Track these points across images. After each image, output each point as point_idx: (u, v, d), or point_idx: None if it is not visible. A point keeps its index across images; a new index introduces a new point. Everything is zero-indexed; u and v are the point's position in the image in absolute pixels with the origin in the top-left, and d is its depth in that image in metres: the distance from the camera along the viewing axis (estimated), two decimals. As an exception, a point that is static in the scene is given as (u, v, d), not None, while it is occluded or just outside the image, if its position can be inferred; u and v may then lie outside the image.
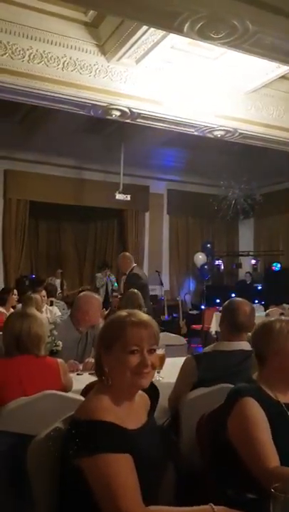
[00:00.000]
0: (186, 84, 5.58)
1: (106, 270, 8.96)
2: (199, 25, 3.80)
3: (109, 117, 5.65)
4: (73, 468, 1.30)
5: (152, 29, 4.43)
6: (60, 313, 6.32)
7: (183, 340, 4.44)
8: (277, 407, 1.68)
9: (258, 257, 11.45)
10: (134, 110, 5.50)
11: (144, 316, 1.46)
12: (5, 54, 4.61)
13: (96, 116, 5.81)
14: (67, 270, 10.50)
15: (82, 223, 11.21)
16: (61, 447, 1.37)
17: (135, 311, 1.48)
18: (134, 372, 1.38)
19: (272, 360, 1.73)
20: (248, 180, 9.91)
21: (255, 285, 10.71)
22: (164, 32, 4.42)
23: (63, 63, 4.89)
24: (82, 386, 2.41)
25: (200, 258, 10.87)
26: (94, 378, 2.29)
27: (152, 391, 1.56)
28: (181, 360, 2.55)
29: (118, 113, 5.51)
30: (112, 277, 8.96)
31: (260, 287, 10.53)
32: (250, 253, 11.59)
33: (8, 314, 4.90)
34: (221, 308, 2.67)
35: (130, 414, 1.42)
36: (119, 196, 8.37)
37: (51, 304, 6.40)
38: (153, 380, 1.49)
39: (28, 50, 4.70)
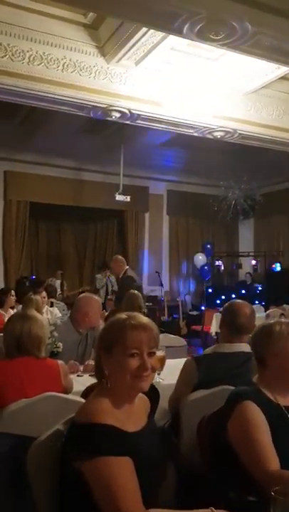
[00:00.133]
0: (185, 85, 5.59)
1: (106, 271, 8.95)
2: (199, 26, 3.80)
3: (108, 118, 5.65)
4: (73, 470, 1.30)
5: (152, 31, 4.43)
6: (60, 315, 6.33)
7: (183, 342, 4.43)
8: (277, 410, 1.68)
9: (258, 257, 11.45)
10: (133, 111, 5.50)
11: (144, 319, 1.46)
12: (5, 56, 4.62)
13: (96, 118, 5.82)
14: (67, 271, 10.50)
15: (82, 224, 11.22)
16: (61, 450, 1.38)
17: (135, 313, 1.48)
18: (134, 376, 1.39)
19: (272, 362, 1.73)
20: (248, 180, 9.91)
21: (256, 286, 10.71)
22: (164, 33, 4.43)
23: (63, 65, 4.89)
24: (82, 388, 2.41)
25: (200, 259, 10.88)
26: (94, 380, 2.29)
27: (152, 393, 1.56)
28: (181, 362, 2.56)
29: (118, 114, 5.51)
30: (112, 278, 8.94)
31: (260, 288, 10.53)
32: (251, 253, 11.59)
33: (6, 315, 4.91)
34: (221, 309, 2.67)
35: (130, 417, 1.42)
36: (119, 197, 8.38)
37: (51, 305, 6.40)
38: (153, 381, 1.49)
39: (28, 51, 4.70)
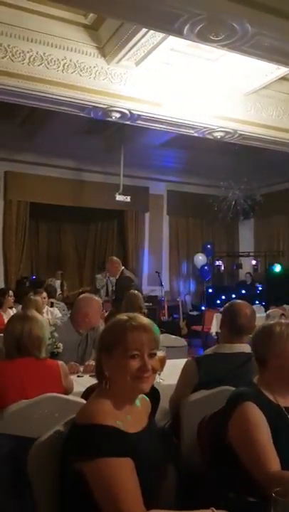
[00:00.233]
0: (185, 85, 5.59)
1: (106, 271, 8.95)
2: (199, 27, 3.81)
3: (109, 119, 5.66)
4: (74, 471, 1.30)
5: (152, 31, 4.43)
6: (60, 315, 6.33)
7: (183, 342, 4.44)
8: (278, 410, 1.68)
9: (258, 257, 11.45)
10: (134, 112, 5.50)
11: (145, 320, 1.46)
12: (5, 56, 4.62)
13: (96, 118, 5.82)
14: (67, 271, 10.51)
15: (83, 224, 11.22)
16: (62, 450, 1.38)
17: (135, 314, 1.48)
18: (134, 377, 1.39)
19: (273, 363, 1.73)
20: (248, 180, 9.91)
21: (256, 286, 10.71)
22: (164, 34, 4.43)
23: (63, 65, 4.90)
24: (82, 388, 2.42)
25: (200, 259, 10.88)
26: (94, 381, 2.29)
27: (153, 393, 1.56)
28: (181, 362, 2.56)
29: (118, 115, 5.52)
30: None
31: (260, 288, 10.53)
32: (251, 254, 11.59)
33: (5, 315, 4.92)
34: (221, 310, 2.67)
35: (131, 418, 1.42)
36: (119, 197, 8.38)
37: (51, 305, 6.41)
38: (154, 382, 1.49)
39: (28, 52, 4.71)
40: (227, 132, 6.14)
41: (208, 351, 2.61)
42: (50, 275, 9.71)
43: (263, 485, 1.52)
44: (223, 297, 9.67)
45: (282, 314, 6.00)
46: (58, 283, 9.30)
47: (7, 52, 4.62)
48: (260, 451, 1.56)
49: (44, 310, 5.40)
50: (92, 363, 3.08)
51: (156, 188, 10.84)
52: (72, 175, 9.83)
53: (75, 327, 3.46)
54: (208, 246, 11.12)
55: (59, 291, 9.10)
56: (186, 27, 3.81)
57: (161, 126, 6.02)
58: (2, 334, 2.65)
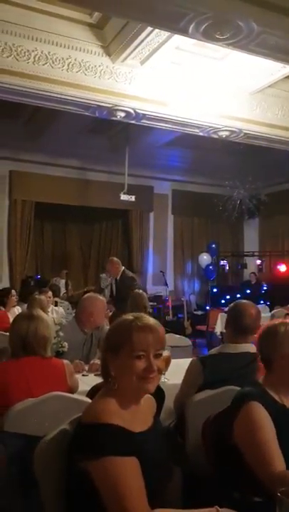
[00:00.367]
0: (191, 84, 5.58)
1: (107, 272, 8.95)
2: (204, 26, 3.80)
3: (114, 118, 5.66)
4: (80, 470, 1.30)
5: (157, 30, 4.43)
6: (65, 314, 6.35)
7: (188, 342, 4.43)
8: (283, 410, 1.68)
9: (263, 257, 11.42)
10: (138, 111, 5.50)
11: (151, 320, 1.46)
12: (10, 56, 4.63)
13: (101, 118, 5.82)
14: (72, 270, 10.53)
15: (87, 224, 11.24)
16: (68, 449, 1.38)
17: (141, 314, 1.48)
18: (140, 377, 1.39)
19: (278, 363, 1.73)
20: (253, 180, 9.88)
21: (260, 285, 10.68)
22: (169, 33, 4.42)
23: (68, 64, 4.90)
24: (87, 387, 2.42)
25: (205, 258, 10.86)
26: (99, 380, 2.29)
27: (158, 393, 1.56)
28: (186, 362, 2.55)
29: (123, 114, 5.51)
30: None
31: (265, 288, 10.50)
32: (256, 253, 11.56)
33: (10, 314, 4.94)
34: (226, 309, 2.67)
35: (136, 417, 1.42)
36: (123, 197, 8.38)
37: (56, 304, 6.43)
38: (159, 382, 1.49)
39: (33, 51, 4.71)
40: (232, 131, 6.13)
41: (213, 351, 2.61)
42: (55, 274, 9.74)
43: (268, 485, 1.52)
44: (228, 297, 9.66)
45: (287, 314, 5.97)
46: (62, 282, 9.32)
47: (12, 51, 4.63)
48: (264, 451, 1.56)
49: (49, 309, 5.42)
50: (97, 361, 3.09)
51: (161, 187, 10.83)
52: (76, 174, 9.84)
53: (80, 326, 3.47)
54: (213, 245, 11.10)
55: (64, 291, 9.13)
56: (192, 26, 3.80)
57: (166, 125, 6.01)
58: (8, 333, 2.65)
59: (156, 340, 1.41)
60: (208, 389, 2.25)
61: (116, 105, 5.32)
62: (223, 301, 9.48)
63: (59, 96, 5.02)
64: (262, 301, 8.77)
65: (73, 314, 5.57)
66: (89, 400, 1.91)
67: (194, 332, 8.91)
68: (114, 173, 9.47)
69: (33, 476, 1.45)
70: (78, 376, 2.79)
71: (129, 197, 8.41)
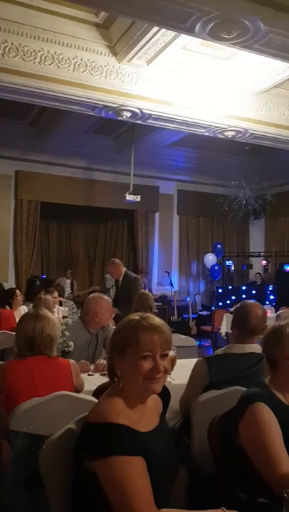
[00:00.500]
0: (197, 84, 5.57)
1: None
2: (211, 25, 3.79)
3: (120, 118, 5.66)
4: (86, 469, 1.31)
5: (163, 30, 4.42)
6: (70, 313, 6.36)
7: (193, 342, 4.42)
8: (289, 411, 1.67)
9: (268, 257, 11.39)
10: (144, 111, 5.50)
11: (157, 321, 1.45)
12: (17, 56, 4.65)
13: (107, 117, 5.83)
14: (77, 271, 10.56)
15: (93, 224, 11.26)
16: (74, 449, 1.38)
17: (148, 314, 1.47)
18: (146, 377, 1.38)
19: (283, 364, 1.72)
20: (259, 180, 9.86)
21: (266, 286, 10.65)
22: (175, 32, 4.41)
23: (74, 64, 4.91)
24: (93, 387, 2.42)
25: (210, 259, 10.85)
26: (105, 379, 2.30)
27: (163, 393, 1.56)
28: (191, 362, 2.55)
29: (129, 114, 5.51)
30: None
31: (270, 288, 10.47)
32: (261, 254, 11.53)
33: (16, 313, 4.96)
34: (231, 310, 2.66)
35: (143, 417, 1.42)
36: (129, 197, 8.38)
37: (60, 304, 6.44)
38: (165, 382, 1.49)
39: (39, 51, 4.72)
40: (238, 131, 6.11)
41: (219, 351, 2.60)
42: (61, 274, 9.77)
43: (274, 486, 1.51)
44: (233, 297, 9.64)
45: (293, 315, 5.94)
46: (68, 282, 9.35)
47: (18, 51, 4.64)
48: (270, 452, 1.56)
49: (55, 309, 5.43)
50: (102, 361, 3.10)
51: (167, 187, 10.83)
52: (82, 174, 9.86)
53: (85, 326, 3.47)
54: (219, 246, 11.08)
55: (69, 291, 9.16)
56: (198, 25, 3.79)
57: (172, 125, 6.01)
58: (14, 333, 2.66)
59: (163, 341, 1.41)
60: (213, 389, 2.24)
61: (122, 105, 5.32)
62: (228, 302, 9.47)
63: (65, 96, 5.03)
64: (267, 302, 8.75)
65: (78, 314, 5.59)
66: (95, 400, 1.91)
67: (199, 332, 8.90)
68: (119, 174, 9.48)
69: (39, 474, 1.45)
70: (84, 376, 2.79)
71: (135, 197, 8.41)
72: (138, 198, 8.42)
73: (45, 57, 4.76)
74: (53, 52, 4.79)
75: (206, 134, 6.25)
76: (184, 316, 9.56)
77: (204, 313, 10.12)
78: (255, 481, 1.59)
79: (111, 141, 8.89)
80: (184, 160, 9.87)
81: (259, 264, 11.46)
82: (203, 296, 11.37)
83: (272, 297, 9.67)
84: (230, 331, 2.81)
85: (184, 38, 4.60)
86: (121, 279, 6.19)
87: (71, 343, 3.20)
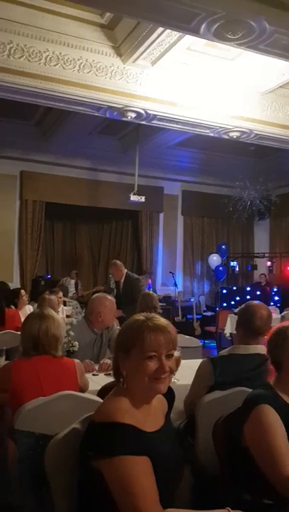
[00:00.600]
0: (202, 85, 5.56)
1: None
2: (216, 26, 3.78)
3: (124, 119, 5.66)
4: (92, 469, 1.31)
5: (168, 30, 4.42)
6: (73, 311, 6.38)
7: (198, 342, 4.42)
8: (294, 413, 1.66)
9: (273, 258, 11.35)
10: (149, 112, 5.50)
11: (162, 321, 1.45)
12: (22, 56, 4.66)
13: (112, 118, 5.84)
14: (81, 270, 10.57)
15: (97, 224, 11.28)
16: (79, 448, 1.39)
17: (153, 314, 1.48)
18: (151, 378, 1.39)
19: (288, 366, 1.71)
20: (264, 181, 9.83)
21: (271, 287, 10.61)
22: (180, 33, 4.41)
23: (79, 65, 4.92)
24: (97, 387, 2.43)
25: (214, 259, 10.83)
26: (110, 379, 2.30)
27: (168, 393, 1.56)
28: (196, 362, 2.54)
29: (134, 115, 5.52)
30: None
31: (275, 289, 10.43)
32: (266, 255, 11.50)
33: (21, 313, 4.97)
34: (235, 310, 2.66)
35: (148, 417, 1.42)
36: (133, 197, 8.39)
37: (64, 304, 6.46)
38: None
39: (44, 52, 4.74)
40: (243, 132, 6.10)
41: (224, 352, 2.60)
42: (65, 274, 9.79)
43: (279, 487, 1.51)
44: (238, 298, 9.61)
45: (298, 316, 5.92)
46: (72, 282, 9.37)
47: (24, 52, 4.66)
48: (275, 453, 1.55)
49: (59, 309, 5.44)
50: (107, 361, 3.10)
51: (171, 188, 10.82)
52: (87, 175, 9.88)
53: (89, 326, 3.48)
54: (223, 246, 11.07)
55: (74, 291, 9.17)
56: (203, 26, 3.79)
57: (176, 126, 6.00)
58: (19, 332, 2.67)
59: (168, 341, 1.41)
60: (218, 390, 2.24)
61: (127, 106, 5.33)
62: (232, 303, 9.44)
63: (70, 97, 5.04)
64: (272, 303, 8.72)
65: (82, 314, 5.60)
66: (99, 400, 1.91)
67: (203, 333, 8.89)
68: (124, 174, 9.49)
69: (44, 474, 1.45)
70: (88, 376, 2.80)
71: (139, 197, 8.41)
72: (142, 199, 8.42)
73: (50, 58, 4.77)
74: (58, 53, 4.80)
75: (211, 134, 6.24)
76: (188, 316, 9.55)
77: (208, 313, 10.11)
78: (260, 482, 1.59)
79: (116, 141, 8.90)
80: (189, 160, 9.86)
81: (264, 264, 11.42)
82: (208, 296, 11.35)
83: (276, 298, 9.63)
84: (234, 332, 2.81)
85: (189, 39, 4.60)
86: (122, 280, 6.21)
87: (76, 343, 3.21)
